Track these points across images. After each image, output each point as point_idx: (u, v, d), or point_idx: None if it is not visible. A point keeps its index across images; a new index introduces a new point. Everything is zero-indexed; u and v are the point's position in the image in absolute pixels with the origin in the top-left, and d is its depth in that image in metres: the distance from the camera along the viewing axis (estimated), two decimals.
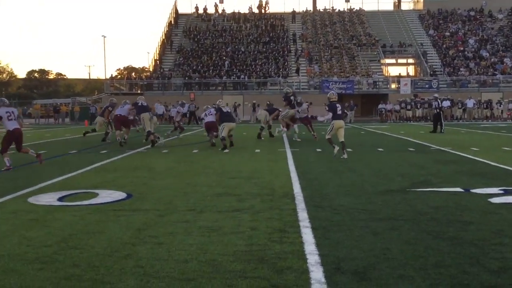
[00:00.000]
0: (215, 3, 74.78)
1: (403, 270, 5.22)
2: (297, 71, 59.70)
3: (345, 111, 15.44)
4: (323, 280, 4.93)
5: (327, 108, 15.63)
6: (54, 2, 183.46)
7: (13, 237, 6.62)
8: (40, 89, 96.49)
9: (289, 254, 5.74)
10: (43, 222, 7.41)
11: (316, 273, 5.11)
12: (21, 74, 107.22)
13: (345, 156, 15.28)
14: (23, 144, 14.20)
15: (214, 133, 20.67)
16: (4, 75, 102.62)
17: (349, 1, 75.18)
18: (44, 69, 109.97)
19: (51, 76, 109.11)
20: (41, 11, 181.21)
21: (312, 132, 22.77)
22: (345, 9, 73.81)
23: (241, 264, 5.41)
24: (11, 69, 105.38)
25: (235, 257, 5.67)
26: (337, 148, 15.54)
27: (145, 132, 21.11)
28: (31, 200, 9.08)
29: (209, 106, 24.36)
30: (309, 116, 23.96)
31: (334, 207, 8.29)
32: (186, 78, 58.66)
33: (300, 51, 63.86)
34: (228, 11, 74.63)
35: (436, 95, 32.34)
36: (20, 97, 79.44)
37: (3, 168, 13.29)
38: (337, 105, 15.32)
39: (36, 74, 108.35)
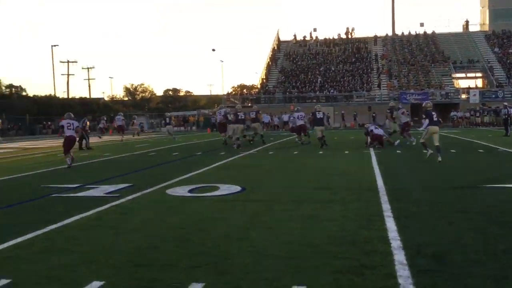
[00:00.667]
0: (310, 32, 74.69)
1: (475, 255, 5.00)
2: (379, 85, 58.53)
3: (439, 119, 14.29)
4: (405, 262, 4.80)
5: (424, 116, 14.81)
6: (180, 38, 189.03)
7: (155, 221, 6.86)
8: (173, 103, 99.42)
9: (375, 239, 5.64)
10: (177, 210, 7.62)
11: (399, 256, 4.98)
12: (159, 92, 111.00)
13: (440, 158, 13.75)
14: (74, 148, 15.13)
15: (303, 135, 20.72)
16: (147, 93, 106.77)
17: (423, 26, 72.98)
18: (176, 88, 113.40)
19: (181, 93, 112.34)
20: (175, 44, 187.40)
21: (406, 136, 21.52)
22: (420, 33, 71.61)
23: (335, 247, 5.36)
24: (152, 88, 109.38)
25: (329, 240, 5.62)
26: (430, 151, 14.37)
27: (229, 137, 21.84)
28: (169, 191, 9.37)
29: (298, 109, 24.42)
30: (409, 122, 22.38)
31: (413, 200, 8.06)
32: (287, 93, 58.83)
33: (381, 69, 62.54)
34: (321, 37, 74.16)
35: (505, 103, 30.72)
36: (158, 110, 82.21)
37: (66, 166, 14.09)
38: (433, 113, 14.43)
39: (170, 92, 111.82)
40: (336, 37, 73.91)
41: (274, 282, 4.32)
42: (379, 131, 19.70)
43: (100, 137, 33.68)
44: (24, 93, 78.49)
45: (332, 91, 58.32)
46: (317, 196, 8.58)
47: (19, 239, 5.93)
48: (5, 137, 43.24)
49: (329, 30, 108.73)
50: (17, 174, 13.03)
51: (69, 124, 14.92)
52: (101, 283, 4.36)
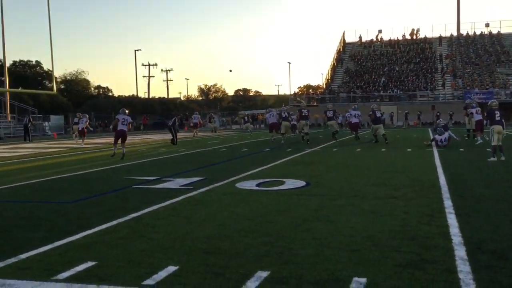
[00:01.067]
0: (377, 34, 73.28)
1: None
2: (443, 85, 56.73)
3: (502, 119, 13.37)
4: (465, 257, 4.66)
5: (485, 114, 14.10)
6: (256, 41, 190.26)
7: (224, 212, 6.97)
8: (243, 103, 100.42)
9: (436, 234, 5.49)
10: (246, 202, 7.71)
11: (460, 251, 4.83)
12: (230, 92, 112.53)
13: (503, 158, 13.26)
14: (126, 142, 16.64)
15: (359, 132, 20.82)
16: (219, 93, 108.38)
17: (488, 26, 69.95)
18: (246, 88, 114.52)
19: (251, 93, 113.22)
20: (246, 46, 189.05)
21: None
22: (485, 33, 68.74)
23: (396, 241, 5.26)
24: (224, 89, 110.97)
25: (390, 235, 5.53)
26: (494, 159, 13.25)
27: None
28: (238, 185, 9.48)
29: (355, 107, 24.69)
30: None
31: (475, 197, 7.78)
32: (351, 92, 58.06)
33: (445, 68, 60.55)
34: (385, 38, 72.62)
35: None
36: (230, 109, 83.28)
37: (111, 155, 14.69)
38: (496, 112, 13.64)
39: (241, 92, 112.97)
40: (400, 38, 72.18)
41: (335, 272, 4.30)
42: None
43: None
44: (110, 94, 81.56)
45: (395, 90, 57.04)
46: (378, 192, 8.44)
47: (103, 226, 6.19)
48: (92, 133, 44.97)
49: (394, 31, 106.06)
50: (105, 166, 13.56)
51: (123, 120, 16.22)
52: (176, 267, 4.49)
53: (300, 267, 4.46)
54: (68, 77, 77.27)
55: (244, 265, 4.55)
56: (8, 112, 46.03)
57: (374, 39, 73.04)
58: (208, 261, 4.67)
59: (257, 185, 9.42)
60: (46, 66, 70.20)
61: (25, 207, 7.56)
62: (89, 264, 4.64)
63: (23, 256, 4.94)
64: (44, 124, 48.06)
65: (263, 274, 4.29)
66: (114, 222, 6.38)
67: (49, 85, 67.57)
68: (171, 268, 4.47)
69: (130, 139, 24.76)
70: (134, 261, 4.73)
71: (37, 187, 9.79)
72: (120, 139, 16.20)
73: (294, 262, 4.59)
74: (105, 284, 4.08)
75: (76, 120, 27.41)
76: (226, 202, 7.70)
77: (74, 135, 27.53)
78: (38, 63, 72.73)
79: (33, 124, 39.90)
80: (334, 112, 24.87)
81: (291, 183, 9.52)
